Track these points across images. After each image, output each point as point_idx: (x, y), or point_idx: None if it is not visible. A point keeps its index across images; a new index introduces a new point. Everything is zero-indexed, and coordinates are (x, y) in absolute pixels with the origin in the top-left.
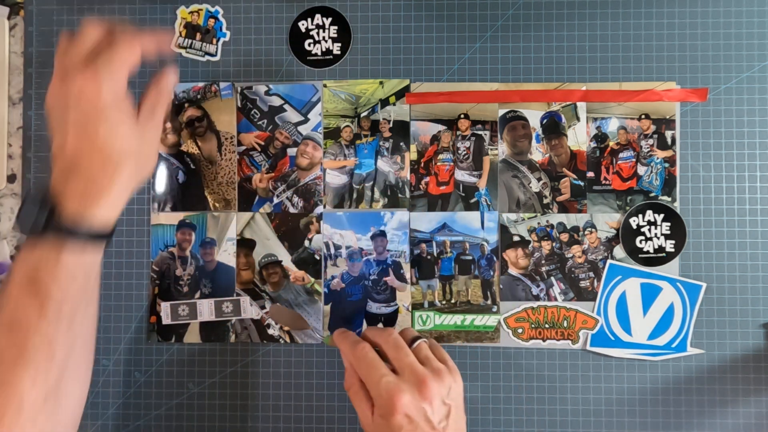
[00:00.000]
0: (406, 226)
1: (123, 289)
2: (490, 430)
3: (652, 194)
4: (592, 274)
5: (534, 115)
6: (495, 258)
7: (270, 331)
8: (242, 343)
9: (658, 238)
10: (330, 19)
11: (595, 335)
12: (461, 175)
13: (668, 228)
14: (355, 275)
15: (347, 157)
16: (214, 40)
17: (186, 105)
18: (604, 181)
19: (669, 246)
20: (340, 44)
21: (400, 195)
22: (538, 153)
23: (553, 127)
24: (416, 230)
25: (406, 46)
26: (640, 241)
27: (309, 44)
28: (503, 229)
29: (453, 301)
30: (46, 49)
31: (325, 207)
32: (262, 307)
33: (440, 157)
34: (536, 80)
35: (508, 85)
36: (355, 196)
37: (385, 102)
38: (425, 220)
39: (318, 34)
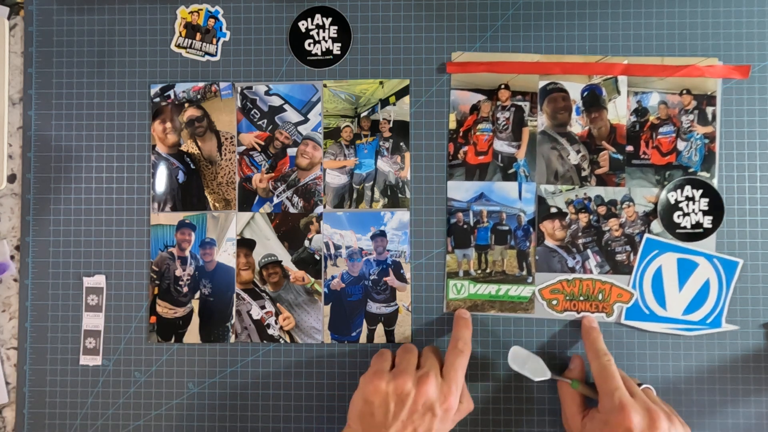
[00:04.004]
0: (406, 226)
1: (123, 289)
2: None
3: (691, 170)
4: (628, 248)
5: (574, 88)
6: (531, 229)
7: (270, 331)
8: (242, 343)
9: (696, 214)
10: (330, 19)
11: (629, 309)
12: (500, 146)
13: (706, 204)
14: (355, 275)
15: (347, 157)
16: (214, 40)
17: (186, 105)
18: (642, 156)
19: (706, 222)
20: (340, 44)
21: (400, 195)
22: (577, 125)
23: (593, 100)
24: (453, 199)
25: (406, 46)
26: (678, 216)
27: (309, 44)
28: (540, 201)
29: (488, 270)
30: (46, 49)
31: (325, 207)
32: (262, 307)
33: (479, 126)
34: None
35: (549, 57)
36: (355, 196)
37: (385, 102)
38: (462, 189)
39: (318, 34)
